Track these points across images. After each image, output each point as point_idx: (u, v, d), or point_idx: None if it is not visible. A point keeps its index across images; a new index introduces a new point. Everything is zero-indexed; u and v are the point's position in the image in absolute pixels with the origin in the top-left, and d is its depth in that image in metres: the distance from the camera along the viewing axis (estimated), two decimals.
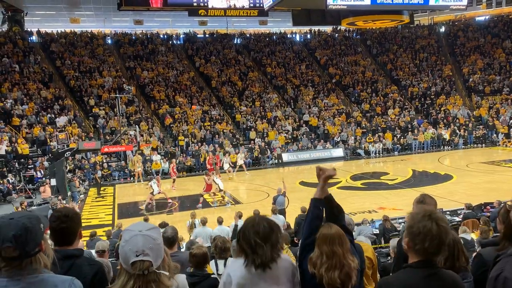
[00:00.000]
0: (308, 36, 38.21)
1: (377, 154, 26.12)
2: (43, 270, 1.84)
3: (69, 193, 17.43)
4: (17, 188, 18.37)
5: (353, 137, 27.11)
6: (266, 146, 25.43)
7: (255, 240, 2.26)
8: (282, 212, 11.00)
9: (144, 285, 1.79)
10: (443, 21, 40.33)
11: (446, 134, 27.44)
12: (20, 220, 1.82)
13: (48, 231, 2.33)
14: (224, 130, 26.85)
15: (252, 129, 27.14)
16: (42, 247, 1.84)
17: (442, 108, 30.62)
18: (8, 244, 1.76)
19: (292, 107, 30.55)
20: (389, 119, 29.48)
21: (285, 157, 25.16)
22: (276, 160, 24.74)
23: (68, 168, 20.28)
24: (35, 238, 1.82)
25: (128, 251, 1.80)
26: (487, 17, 39.15)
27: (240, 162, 22.66)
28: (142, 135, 24.11)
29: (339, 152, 26.07)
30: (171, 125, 26.66)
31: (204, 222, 9.51)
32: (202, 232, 9.22)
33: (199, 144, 24.98)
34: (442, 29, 39.41)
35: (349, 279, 2.33)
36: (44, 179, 18.92)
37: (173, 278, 1.91)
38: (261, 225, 2.30)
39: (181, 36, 35.58)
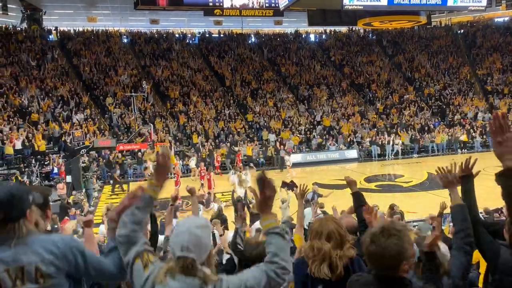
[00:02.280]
0: (323, 36, 38.03)
1: (391, 156, 25.79)
2: (29, 233, 1.95)
3: (83, 191, 17.59)
4: (34, 184, 18.62)
5: (367, 139, 26.85)
6: (282, 146, 25.19)
7: None
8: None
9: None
10: (461, 22, 39.71)
11: (462, 136, 27.01)
12: (8, 187, 1.97)
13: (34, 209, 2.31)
14: (238, 129, 26.88)
15: (265, 129, 27.11)
16: (27, 215, 1.95)
17: (459, 110, 30.19)
18: None
19: (306, 107, 30.43)
20: (405, 120, 29.15)
21: (299, 157, 25.01)
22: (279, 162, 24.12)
23: (85, 164, 20.49)
24: (21, 205, 1.93)
25: (175, 245, 1.95)
26: (506, 18, 38.42)
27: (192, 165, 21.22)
28: (156, 134, 24.27)
29: (353, 153, 25.87)
30: (185, 124, 26.80)
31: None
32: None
33: (213, 143, 25.04)
34: (460, 30, 38.81)
35: (335, 270, 2.60)
36: (63, 176, 19.14)
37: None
38: None
39: (197, 35, 35.74)
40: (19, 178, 17.86)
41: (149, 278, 1.96)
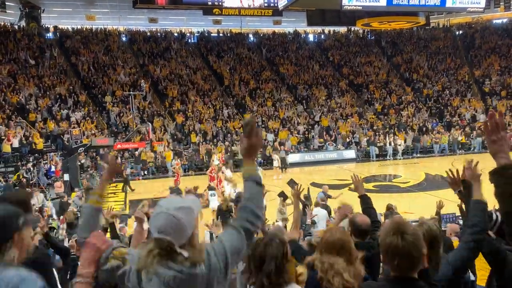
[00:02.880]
0: (322, 36, 38.05)
1: (398, 156, 25.76)
2: (5, 264, 1.73)
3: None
4: (31, 182, 18.59)
5: (365, 139, 26.85)
6: (282, 147, 25.10)
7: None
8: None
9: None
10: (460, 23, 39.80)
11: (460, 137, 27.02)
12: None
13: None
14: (236, 129, 26.87)
15: (263, 129, 27.08)
16: (14, 240, 1.76)
17: (456, 111, 30.24)
18: None
19: (305, 107, 30.44)
20: (403, 121, 29.17)
21: (297, 157, 25.02)
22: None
23: (85, 163, 20.45)
24: (7, 229, 1.76)
25: (152, 226, 1.86)
26: (504, 20, 38.53)
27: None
28: (154, 133, 24.25)
29: (351, 153, 25.88)
30: (183, 123, 26.78)
31: None
32: None
33: (211, 142, 25.04)
34: (459, 32, 38.88)
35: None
36: (61, 174, 19.11)
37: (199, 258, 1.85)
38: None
39: (195, 34, 35.71)
40: (21, 177, 17.84)
41: (131, 269, 1.87)
